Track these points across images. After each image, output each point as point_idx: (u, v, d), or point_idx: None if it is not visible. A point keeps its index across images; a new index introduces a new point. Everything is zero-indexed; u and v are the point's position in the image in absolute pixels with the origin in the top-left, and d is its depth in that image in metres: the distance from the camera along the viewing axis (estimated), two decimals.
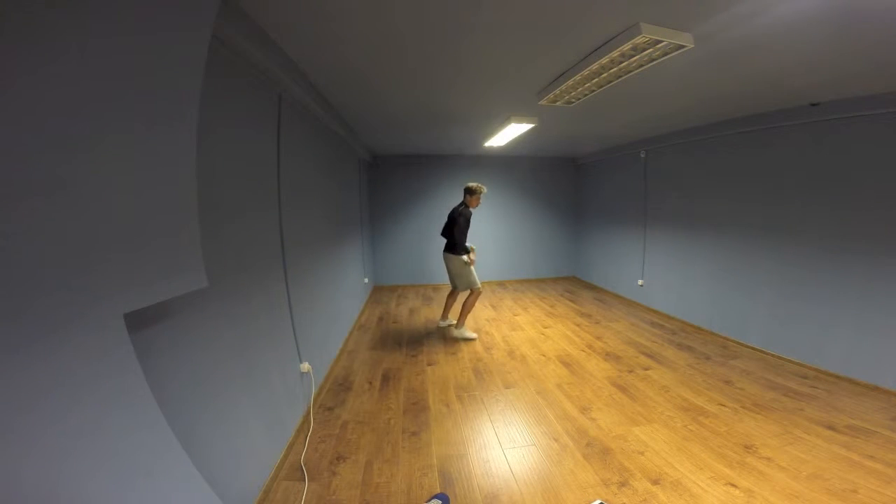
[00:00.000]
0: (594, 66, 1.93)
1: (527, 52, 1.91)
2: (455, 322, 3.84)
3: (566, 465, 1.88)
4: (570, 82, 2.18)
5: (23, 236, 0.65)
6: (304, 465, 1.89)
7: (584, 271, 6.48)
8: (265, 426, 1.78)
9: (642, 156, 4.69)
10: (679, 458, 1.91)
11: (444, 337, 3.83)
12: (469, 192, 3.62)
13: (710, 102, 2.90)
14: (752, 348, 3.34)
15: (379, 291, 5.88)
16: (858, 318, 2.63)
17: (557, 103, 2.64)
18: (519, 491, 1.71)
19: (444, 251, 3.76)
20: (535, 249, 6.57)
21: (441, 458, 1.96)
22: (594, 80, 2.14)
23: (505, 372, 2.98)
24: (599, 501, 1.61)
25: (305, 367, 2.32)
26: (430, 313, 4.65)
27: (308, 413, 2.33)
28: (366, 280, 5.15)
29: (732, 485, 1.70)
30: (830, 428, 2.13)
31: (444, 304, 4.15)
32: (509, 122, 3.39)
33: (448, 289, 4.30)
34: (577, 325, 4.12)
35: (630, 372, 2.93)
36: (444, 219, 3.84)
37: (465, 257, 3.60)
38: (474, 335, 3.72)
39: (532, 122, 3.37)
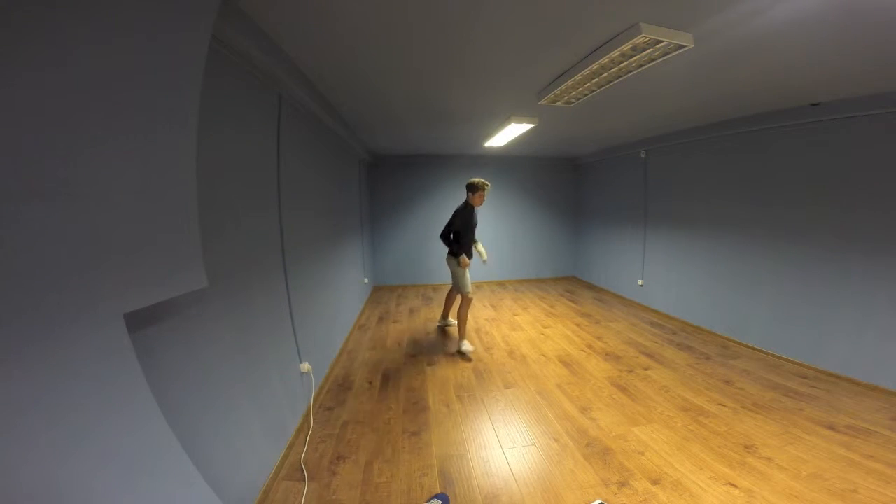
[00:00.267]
0: (594, 66, 1.93)
1: (527, 51, 1.91)
2: (452, 321, 3.82)
3: (566, 465, 1.88)
4: (570, 82, 2.18)
5: (23, 237, 0.65)
6: (304, 464, 1.89)
7: (584, 271, 6.48)
8: (265, 426, 1.78)
9: (642, 156, 4.69)
10: (679, 458, 1.91)
11: (445, 337, 3.83)
12: (471, 188, 3.33)
13: (710, 102, 2.90)
14: (752, 348, 3.34)
15: (379, 291, 5.88)
16: (858, 318, 2.63)
17: (557, 103, 2.64)
18: (519, 491, 1.72)
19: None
20: (535, 249, 6.57)
21: (441, 458, 1.96)
22: (594, 80, 2.14)
23: (505, 372, 2.98)
24: (599, 501, 1.62)
25: (305, 367, 2.32)
26: (430, 313, 4.65)
27: (308, 413, 2.33)
28: (366, 280, 5.16)
29: (732, 485, 1.70)
30: (830, 428, 2.13)
31: (443, 304, 4.09)
32: (509, 122, 3.39)
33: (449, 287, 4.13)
34: (577, 325, 4.12)
35: (630, 372, 2.93)
36: (445, 218, 3.73)
37: (460, 259, 3.33)
38: (470, 348, 3.35)
39: (532, 122, 3.37)
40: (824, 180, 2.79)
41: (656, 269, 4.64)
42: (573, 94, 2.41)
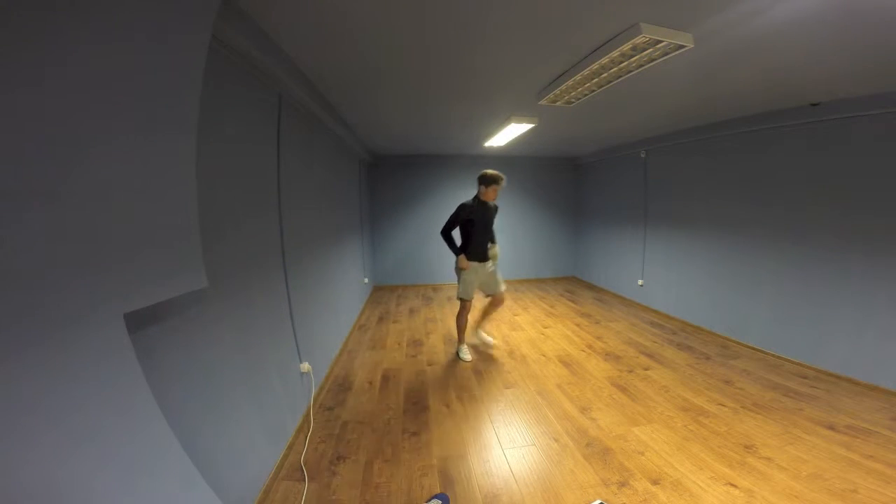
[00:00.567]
0: (594, 67, 1.93)
1: (527, 51, 1.91)
2: (486, 337, 3.32)
3: (566, 465, 1.88)
4: (570, 82, 2.18)
5: (23, 237, 0.65)
6: (304, 464, 1.89)
7: (584, 271, 6.48)
8: (265, 426, 1.78)
9: (642, 156, 4.68)
10: (679, 458, 1.91)
11: (445, 337, 3.82)
12: (483, 180, 2.88)
13: (710, 102, 2.90)
14: (752, 348, 3.34)
15: (379, 291, 5.88)
16: (858, 318, 2.63)
17: (557, 103, 2.64)
18: (519, 491, 1.71)
19: None
20: (535, 249, 6.57)
21: (441, 458, 1.96)
22: (594, 80, 2.14)
23: (505, 372, 2.98)
24: (599, 501, 1.61)
25: (305, 367, 2.32)
26: (429, 313, 4.65)
27: (308, 413, 2.33)
28: (366, 280, 5.16)
29: (732, 485, 1.70)
30: (830, 428, 2.13)
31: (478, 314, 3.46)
32: (509, 122, 3.39)
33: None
34: (577, 325, 4.12)
35: (630, 372, 2.93)
36: (445, 218, 3.49)
37: (458, 259, 3.03)
38: (469, 357, 3.23)
39: (532, 122, 3.37)
40: (824, 180, 2.79)
41: (656, 269, 4.64)
42: (573, 94, 2.41)
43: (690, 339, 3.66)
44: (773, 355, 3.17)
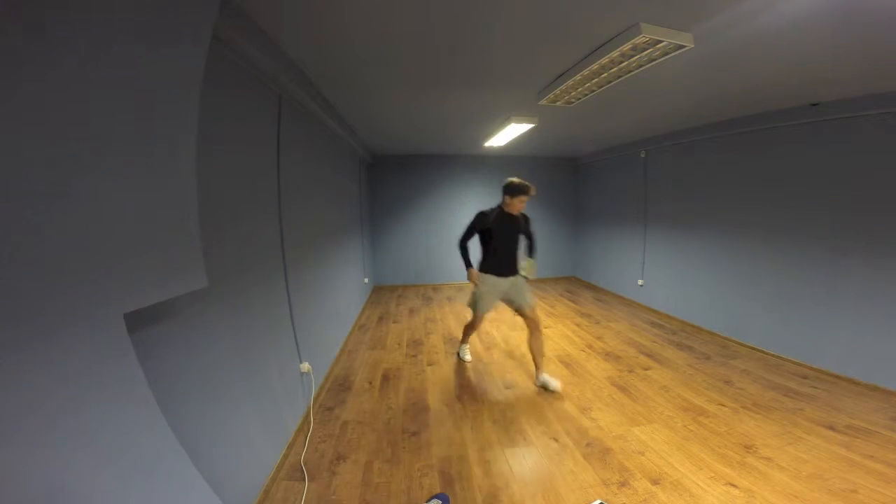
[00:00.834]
0: (594, 66, 1.93)
1: (527, 52, 1.91)
2: (550, 380, 2.68)
3: (566, 465, 1.88)
4: (570, 82, 2.18)
5: (23, 237, 0.65)
6: (304, 464, 1.89)
7: (584, 271, 6.47)
8: (265, 426, 1.78)
9: (642, 156, 4.68)
10: (679, 458, 1.91)
11: (444, 337, 3.82)
12: (510, 190, 2.54)
13: (710, 102, 2.90)
14: (752, 348, 3.34)
15: (379, 291, 5.87)
16: (858, 318, 2.63)
17: (557, 103, 2.64)
18: (519, 491, 1.71)
19: None
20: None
21: (441, 458, 1.96)
22: (594, 80, 2.14)
23: (505, 372, 2.98)
24: (599, 501, 1.61)
25: (305, 367, 2.32)
26: (429, 313, 4.65)
27: (308, 413, 2.33)
28: (366, 280, 5.16)
29: (732, 485, 1.70)
30: (830, 428, 2.13)
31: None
32: (509, 122, 3.39)
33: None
34: (577, 325, 4.12)
35: (630, 372, 2.93)
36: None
37: (469, 272, 2.77)
38: (468, 357, 3.22)
39: (532, 122, 3.37)
40: (824, 180, 2.79)
41: (656, 269, 4.64)
42: (573, 94, 2.41)
43: (690, 339, 3.66)
44: (773, 355, 3.17)
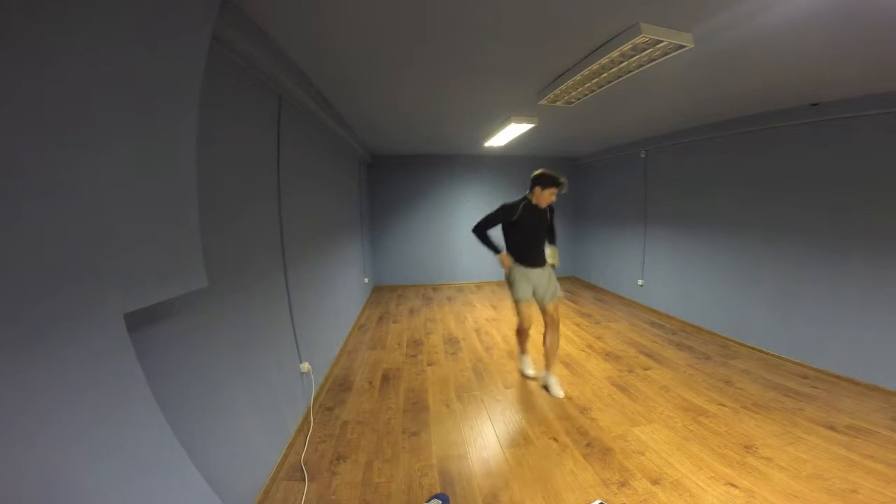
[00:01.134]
0: (594, 66, 1.93)
1: (527, 52, 1.91)
2: (552, 378, 2.65)
3: (566, 465, 1.88)
4: (570, 82, 2.18)
5: (23, 237, 0.65)
6: (304, 464, 1.89)
7: (584, 271, 6.47)
8: (265, 426, 1.78)
9: (642, 156, 4.68)
10: (679, 458, 1.91)
11: (444, 337, 3.82)
12: (541, 181, 2.41)
13: (710, 102, 2.90)
14: (752, 348, 3.34)
15: (379, 291, 5.87)
16: (858, 318, 2.63)
17: (557, 103, 2.64)
18: (519, 491, 1.71)
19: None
20: None
21: (441, 458, 1.96)
22: (594, 80, 2.14)
23: (505, 372, 2.98)
24: (599, 501, 1.61)
25: (305, 367, 2.32)
26: (429, 313, 4.65)
27: (308, 413, 2.33)
28: (366, 280, 5.15)
29: (732, 485, 1.70)
30: (830, 428, 2.13)
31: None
32: (509, 122, 3.39)
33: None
34: (577, 325, 4.12)
35: (630, 372, 2.93)
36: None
37: (500, 257, 2.62)
38: (531, 371, 2.80)
39: (532, 122, 3.37)
40: (824, 180, 2.79)
41: (656, 269, 4.64)
42: (573, 94, 2.41)
43: (690, 338, 3.66)
44: (773, 355, 3.17)
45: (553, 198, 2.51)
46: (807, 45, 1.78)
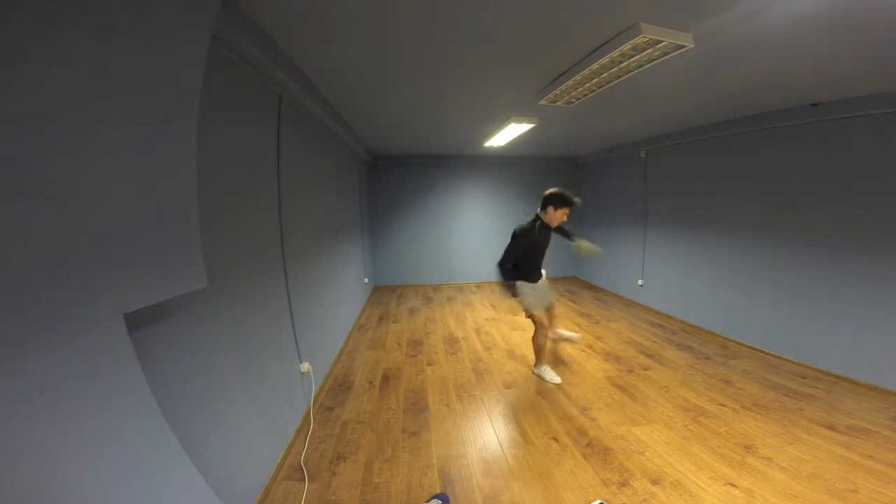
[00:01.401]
0: (594, 66, 1.93)
1: (527, 52, 1.91)
2: (550, 375, 2.78)
3: (566, 465, 1.88)
4: (570, 82, 2.18)
5: (23, 236, 0.65)
6: (304, 465, 1.89)
7: (584, 271, 6.47)
8: (265, 426, 1.78)
9: (642, 156, 4.68)
10: (679, 458, 1.91)
11: (444, 337, 3.82)
12: (554, 201, 2.43)
13: (710, 102, 2.90)
14: (752, 348, 3.34)
15: (379, 291, 5.87)
16: (858, 318, 2.63)
17: (557, 103, 2.64)
18: (519, 491, 1.71)
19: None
20: None
21: (441, 458, 1.96)
22: (594, 80, 2.14)
23: (505, 372, 2.98)
24: (599, 501, 1.61)
25: (305, 367, 2.32)
26: (429, 313, 4.65)
27: (308, 413, 2.33)
28: (366, 280, 5.15)
29: (732, 485, 1.70)
30: (830, 428, 2.13)
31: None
32: (509, 122, 3.39)
33: None
34: (577, 325, 4.12)
35: (630, 372, 2.93)
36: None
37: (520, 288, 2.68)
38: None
39: (532, 122, 3.37)
40: (824, 180, 2.79)
41: (656, 269, 4.64)
42: (573, 94, 2.41)
43: (690, 339, 3.66)
44: (773, 355, 3.17)
45: (565, 217, 2.54)
46: (807, 45, 1.78)
